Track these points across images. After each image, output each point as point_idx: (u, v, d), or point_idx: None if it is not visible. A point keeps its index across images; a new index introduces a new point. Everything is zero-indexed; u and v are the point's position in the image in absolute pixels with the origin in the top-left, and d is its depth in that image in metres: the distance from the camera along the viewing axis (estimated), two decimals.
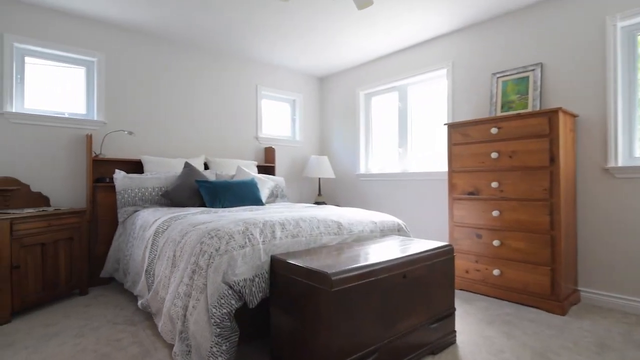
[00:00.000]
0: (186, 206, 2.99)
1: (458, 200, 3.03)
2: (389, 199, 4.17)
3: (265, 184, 3.48)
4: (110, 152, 3.36)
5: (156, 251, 2.14)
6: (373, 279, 1.60)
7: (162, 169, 3.32)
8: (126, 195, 2.92)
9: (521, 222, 2.65)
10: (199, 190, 3.01)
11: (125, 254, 2.71)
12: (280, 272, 1.69)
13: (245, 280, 1.63)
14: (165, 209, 2.75)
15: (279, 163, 4.64)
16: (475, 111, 3.39)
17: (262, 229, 1.87)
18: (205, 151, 3.97)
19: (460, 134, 3.02)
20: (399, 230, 2.54)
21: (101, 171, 3.26)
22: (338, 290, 1.45)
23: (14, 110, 2.93)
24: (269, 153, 4.39)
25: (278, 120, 4.76)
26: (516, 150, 2.68)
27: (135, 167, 3.45)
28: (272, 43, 3.82)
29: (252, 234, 1.80)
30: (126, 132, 3.28)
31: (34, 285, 2.49)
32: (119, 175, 2.98)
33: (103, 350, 1.93)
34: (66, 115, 3.19)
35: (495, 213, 2.77)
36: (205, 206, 3.00)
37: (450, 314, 2.03)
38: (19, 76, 2.99)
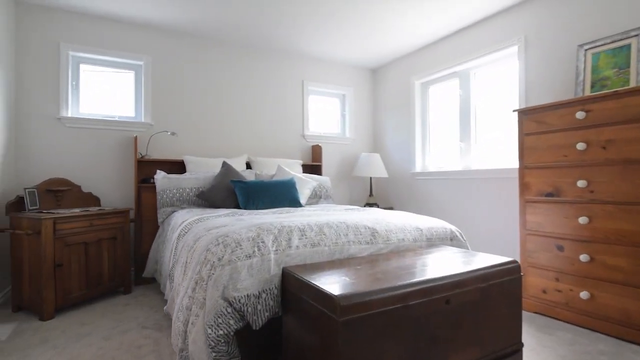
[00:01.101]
0: (220, 207, 2.88)
1: (532, 203, 2.47)
2: (448, 201, 3.66)
3: (306, 184, 3.24)
4: (157, 153, 3.41)
5: (177, 255, 2.02)
6: (403, 304, 1.25)
7: (203, 169, 3.28)
8: (164, 196, 2.91)
9: (621, 233, 2.03)
10: (235, 191, 2.88)
11: (161, 255, 2.68)
12: (290, 288, 1.43)
13: (248, 296, 1.39)
14: (198, 210, 2.66)
15: (328, 162, 4.38)
16: (555, 94, 2.77)
17: (277, 236, 1.62)
18: (249, 150, 3.87)
19: (534, 121, 2.46)
20: (451, 239, 2.11)
21: (146, 172, 3.32)
22: (351, 319, 1.13)
23: (69, 115, 3.10)
24: (316, 151, 4.15)
25: (326, 116, 4.51)
26: (613, 139, 2.07)
27: (180, 167, 3.47)
28: (319, 35, 3.58)
29: (263, 242, 1.56)
30: (169, 133, 3.29)
31: (77, 283, 2.55)
32: (159, 176, 2.98)
33: (121, 358, 1.85)
34: (116, 119, 3.30)
35: (582, 220, 2.18)
36: (239, 207, 2.86)
37: (515, 351, 1.57)
38: (74, 83, 3.16)
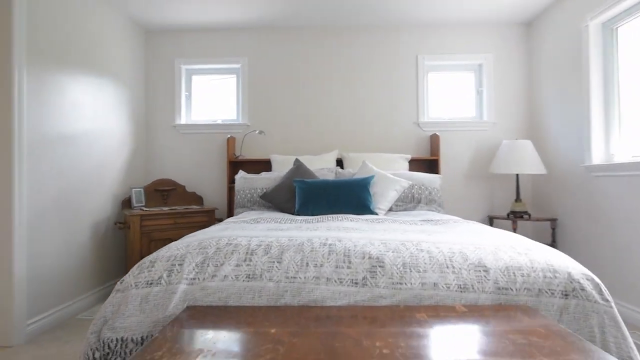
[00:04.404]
0: (283, 211, 2.55)
1: None
2: None
3: (392, 185, 2.50)
4: (252, 152, 3.41)
5: None
6: None
7: (286, 168, 3.03)
8: (238, 197, 2.81)
9: None
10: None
11: None
12: None
13: (123, 341, 0.99)
14: (254, 213, 2.42)
15: (455, 155, 3.37)
16: None
17: (209, 257, 1.15)
18: (344, 145, 3.38)
19: None
20: (566, 296, 1.06)
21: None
22: None
23: (182, 122, 3.46)
24: (435, 142, 3.25)
25: (452, 96, 3.49)
26: None
27: (270, 166, 3.35)
28: None
29: (180, 264, 1.12)
30: (257, 132, 3.21)
31: None
32: (238, 176, 2.92)
33: None
34: (219, 122, 3.48)
35: None
36: (294, 212, 2.45)
37: None
38: (187, 93, 3.51)
